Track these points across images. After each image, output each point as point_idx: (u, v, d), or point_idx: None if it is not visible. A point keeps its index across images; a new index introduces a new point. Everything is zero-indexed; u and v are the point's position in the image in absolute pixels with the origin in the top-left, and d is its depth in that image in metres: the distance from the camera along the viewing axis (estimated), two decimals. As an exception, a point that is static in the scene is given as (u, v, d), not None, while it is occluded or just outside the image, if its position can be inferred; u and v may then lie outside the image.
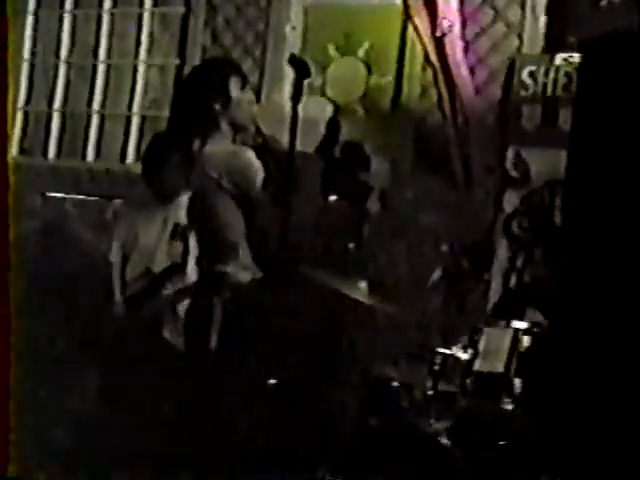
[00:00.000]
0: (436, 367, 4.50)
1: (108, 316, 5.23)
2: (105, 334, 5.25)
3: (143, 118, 7.36)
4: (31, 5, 7.86)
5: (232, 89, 5.17)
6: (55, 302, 6.01)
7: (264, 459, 4.54)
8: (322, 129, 6.21)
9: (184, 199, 5.17)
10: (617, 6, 5.49)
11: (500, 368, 4.43)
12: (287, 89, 6.35)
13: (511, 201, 5.63)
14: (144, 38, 7.38)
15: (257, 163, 5.05)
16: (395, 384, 4.54)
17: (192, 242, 5.06)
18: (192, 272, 5.08)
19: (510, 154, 5.68)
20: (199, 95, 5.22)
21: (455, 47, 5.94)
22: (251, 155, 5.07)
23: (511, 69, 5.80)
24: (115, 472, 4.37)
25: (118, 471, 4.36)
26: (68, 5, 7.76)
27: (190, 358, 5.00)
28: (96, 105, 7.58)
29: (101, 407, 4.87)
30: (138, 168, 6.30)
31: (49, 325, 5.72)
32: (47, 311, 5.85)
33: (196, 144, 5.17)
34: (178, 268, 5.12)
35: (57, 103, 7.74)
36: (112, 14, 7.55)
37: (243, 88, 5.21)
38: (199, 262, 5.09)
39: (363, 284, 5.01)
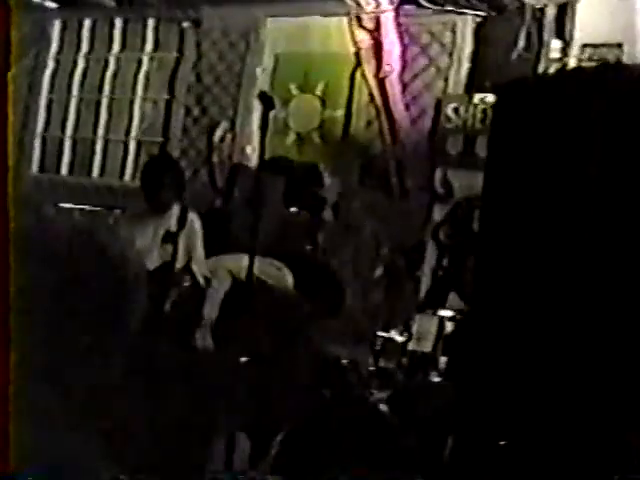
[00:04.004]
0: (377, 347, 4.52)
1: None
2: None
3: (139, 143, 7.28)
4: (52, 50, 7.73)
5: None
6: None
7: (232, 423, 4.47)
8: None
9: (175, 211, 5.09)
10: (524, 59, 5.54)
11: (429, 348, 4.44)
12: (256, 120, 6.31)
13: (438, 213, 5.63)
14: (141, 77, 7.29)
15: None
16: (344, 361, 4.52)
17: (180, 245, 4.99)
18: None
19: (437, 174, 5.68)
20: None
21: (394, 88, 5.97)
22: None
23: (439, 106, 5.83)
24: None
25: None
26: (83, 49, 7.63)
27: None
28: (100, 132, 7.48)
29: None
30: (134, 184, 6.22)
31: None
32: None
33: None
34: (168, 266, 5.05)
35: (69, 130, 7.64)
36: (118, 58, 7.45)
37: None
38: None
39: (318, 280, 4.99)
